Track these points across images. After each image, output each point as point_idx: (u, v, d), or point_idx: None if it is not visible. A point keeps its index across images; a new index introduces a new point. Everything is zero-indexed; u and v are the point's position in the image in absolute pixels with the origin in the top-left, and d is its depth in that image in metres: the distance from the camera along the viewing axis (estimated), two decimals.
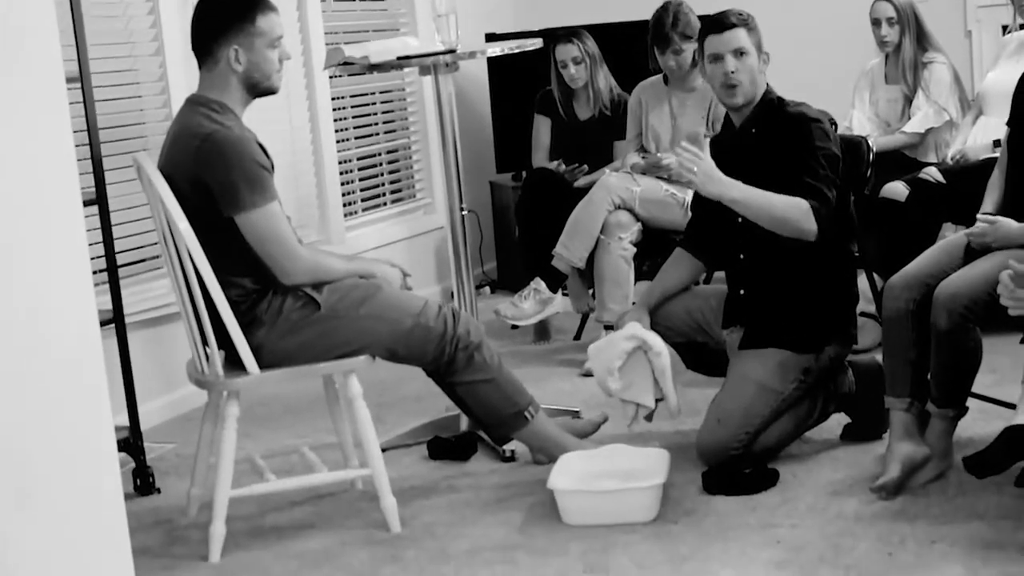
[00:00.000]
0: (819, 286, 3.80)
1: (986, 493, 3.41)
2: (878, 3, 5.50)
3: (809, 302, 3.80)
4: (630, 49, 5.79)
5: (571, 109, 5.78)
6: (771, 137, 3.79)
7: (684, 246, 4.06)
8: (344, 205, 5.95)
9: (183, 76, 4.81)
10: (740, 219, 3.82)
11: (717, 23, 3.83)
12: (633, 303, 4.78)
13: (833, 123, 3.96)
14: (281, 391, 4.90)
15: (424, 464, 4.09)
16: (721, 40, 3.80)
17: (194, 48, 3.56)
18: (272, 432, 4.57)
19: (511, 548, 3.39)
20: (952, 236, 3.78)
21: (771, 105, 3.83)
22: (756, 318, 3.84)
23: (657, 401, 3.85)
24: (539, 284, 5.18)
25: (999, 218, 3.55)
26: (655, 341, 3.80)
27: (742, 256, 3.88)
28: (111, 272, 3.95)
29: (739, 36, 3.79)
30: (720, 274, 4.17)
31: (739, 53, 3.78)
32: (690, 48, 5.12)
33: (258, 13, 3.51)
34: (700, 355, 4.04)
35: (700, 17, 5.11)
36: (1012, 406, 3.92)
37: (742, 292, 3.88)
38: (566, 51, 5.63)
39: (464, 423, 4.23)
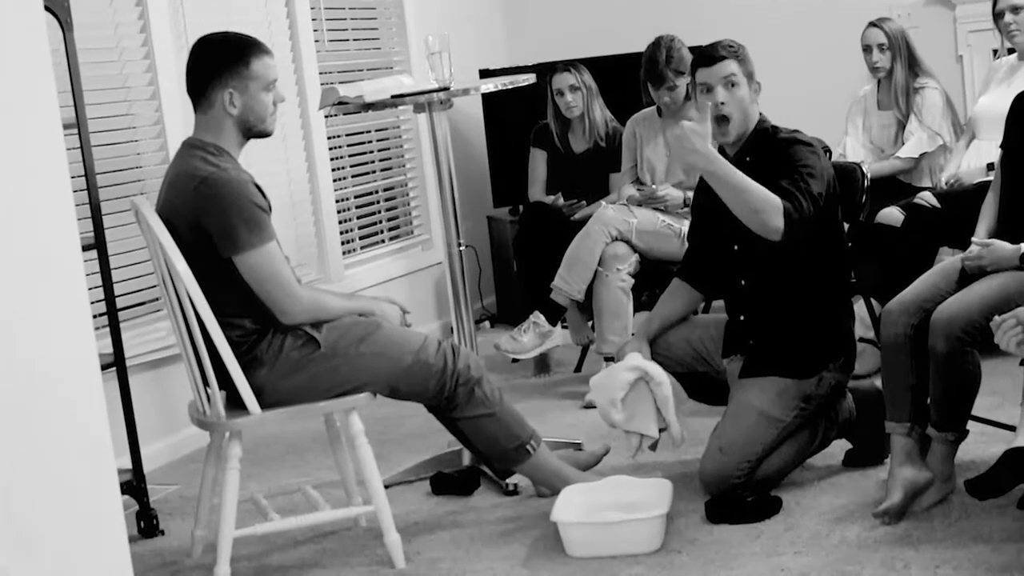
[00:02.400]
0: (817, 312, 3.81)
1: (989, 516, 3.42)
2: (869, 30, 5.54)
3: (808, 327, 3.81)
4: (623, 82, 5.82)
5: (567, 141, 5.80)
6: (766, 165, 3.81)
7: (681, 276, 4.07)
8: (342, 243, 5.97)
9: (179, 120, 4.83)
10: (737, 246, 3.84)
11: (706, 56, 3.85)
12: (632, 334, 4.78)
13: (827, 150, 3.98)
14: (283, 430, 4.91)
15: (427, 500, 4.09)
16: (710, 72, 3.82)
17: (189, 91, 3.58)
18: (275, 471, 4.57)
19: None
20: (948, 260, 3.79)
21: (765, 134, 3.85)
22: (757, 345, 3.84)
23: (660, 431, 3.85)
24: (538, 317, 5.19)
25: (993, 241, 3.57)
26: (656, 371, 3.81)
27: (743, 282, 3.89)
28: (111, 316, 3.96)
29: (729, 66, 3.81)
30: (719, 303, 4.18)
31: (729, 84, 3.81)
32: (683, 83, 5.15)
33: (252, 56, 3.53)
34: (701, 384, 4.04)
35: (692, 49, 5.14)
36: (1013, 428, 3.92)
37: (742, 318, 3.89)
38: (563, 79, 5.67)
39: (467, 458, 4.23)
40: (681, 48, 5.20)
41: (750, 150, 3.85)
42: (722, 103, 3.78)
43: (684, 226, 5.06)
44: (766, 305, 3.84)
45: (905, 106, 5.48)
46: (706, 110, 3.82)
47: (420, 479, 4.24)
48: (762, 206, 3.58)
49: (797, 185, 3.65)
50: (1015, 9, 5.12)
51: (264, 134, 3.61)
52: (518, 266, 5.68)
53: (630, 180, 5.42)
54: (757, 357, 3.83)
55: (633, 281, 5.11)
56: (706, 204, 4.02)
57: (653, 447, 3.89)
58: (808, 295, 3.78)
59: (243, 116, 3.53)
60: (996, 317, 3.18)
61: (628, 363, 3.83)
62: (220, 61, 3.52)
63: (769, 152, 3.81)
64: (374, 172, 6.34)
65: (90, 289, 2.67)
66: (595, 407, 3.93)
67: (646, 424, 3.82)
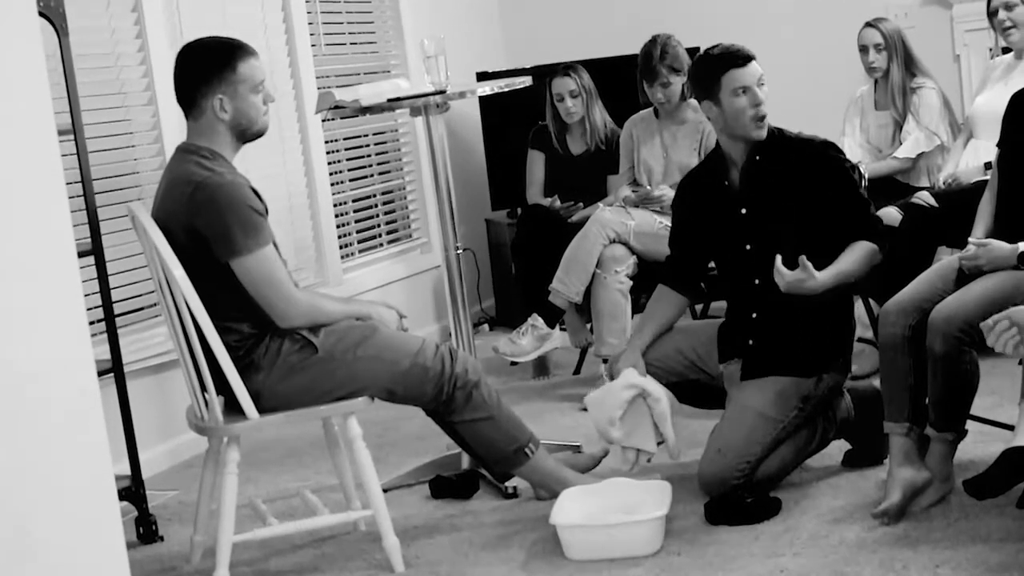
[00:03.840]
0: (825, 310, 3.81)
1: (988, 516, 3.41)
2: (865, 30, 5.53)
3: (816, 325, 3.81)
4: (621, 84, 5.82)
5: (565, 143, 5.80)
6: (783, 165, 3.82)
7: (666, 282, 4.07)
8: (341, 247, 5.97)
9: (176, 125, 4.82)
10: (749, 246, 3.84)
11: (737, 56, 3.82)
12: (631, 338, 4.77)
13: None
14: (281, 434, 4.90)
15: (426, 503, 4.09)
16: (747, 72, 3.80)
17: (179, 100, 3.58)
18: (273, 476, 4.57)
19: None
20: (945, 260, 3.79)
21: (771, 135, 3.86)
22: (757, 345, 3.83)
23: (658, 444, 3.86)
24: (537, 320, 5.19)
25: (990, 240, 3.57)
26: (654, 388, 3.82)
27: (756, 281, 3.87)
28: (109, 322, 3.96)
29: (758, 67, 3.83)
30: (717, 304, 4.18)
31: (761, 83, 3.82)
32: (678, 81, 5.15)
33: (238, 60, 3.52)
34: (694, 392, 4.02)
35: (689, 51, 5.15)
36: (1012, 428, 3.92)
37: (754, 315, 3.87)
38: (563, 84, 5.66)
39: (465, 461, 4.23)
40: (677, 46, 5.20)
41: (759, 150, 3.85)
42: (764, 101, 3.79)
43: None
44: (779, 302, 3.80)
45: (902, 106, 5.47)
46: (743, 112, 3.78)
47: (419, 483, 4.24)
48: (867, 265, 3.80)
49: (868, 210, 3.84)
50: (1008, 6, 5.12)
51: (259, 135, 3.60)
52: (516, 269, 5.68)
53: (627, 181, 5.42)
54: (758, 358, 3.82)
55: (631, 283, 5.11)
56: (690, 210, 4.03)
57: (649, 460, 3.90)
58: (819, 297, 3.77)
59: (235, 120, 3.53)
60: (987, 320, 3.16)
61: (624, 381, 3.83)
62: (206, 68, 3.52)
63: (782, 152, 3.83)
64: (372, 176, 6.34)
65: (87, 295, 2.67)
66: (594, 425, 3.93)
67: (644, 440, 3.84)
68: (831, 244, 3.77)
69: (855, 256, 3.76)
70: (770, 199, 3.81)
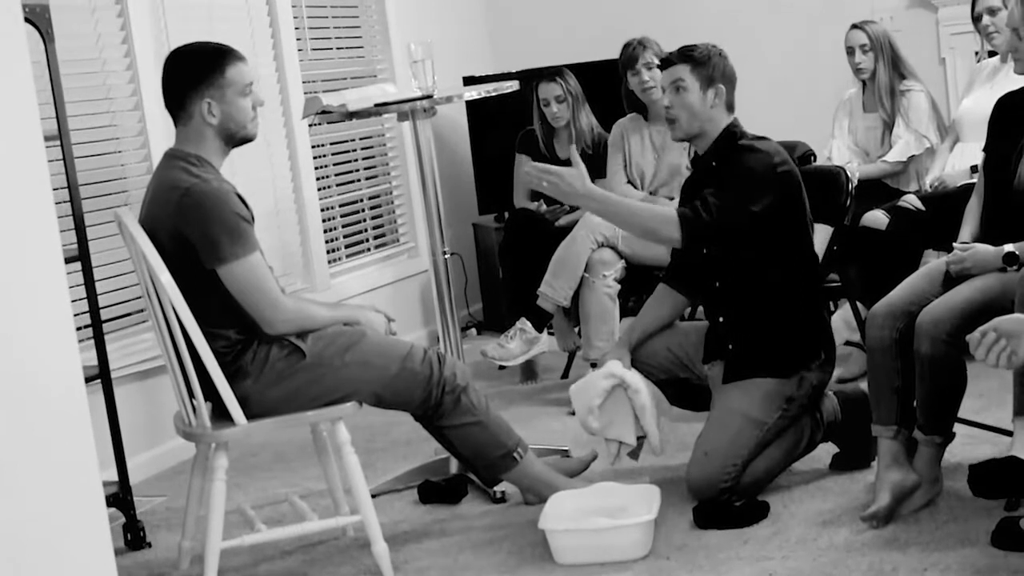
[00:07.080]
0: (791, 311, 3.83)
1: (977, 518, 3.41)
2: (851, 32, 5.55)
3: (784, 326, 3.82)
4: (607, 88, 5.82)
5: (552, 148, 5.80)
6: (723, 170, 3.84)
7: (667, 281, 4.08)
8: (328, 252, 5.96)
9: (163, 130, 4.82)
10: (705, 249, 3.86)
11: (663, 59, 3.95)
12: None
13: (811, 155, 3.98)
14: (269, 440, 4.90)
15: (415, 508, 4.08)
16: (663, 75, 3.91)
17: (167, 106, 3.57)
18: (261, 482, 4.56)
19: None
20: (933, 263, 3.80)
21: (731, 139, 3.87)
22: (737, 348, 3.84)
23: (639, 439, 3.86)
24: (525, 324, 5.19)
25: (975, 244, 3.58)
26: (633, 379, 3.82)
27: (717, 284, 3.90)
28: (96, 327, 3.95)
29: (678, 71, 3.85)
30: (702, 310, 4.18)
31: (676, 88, 3.84)
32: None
33: (227, 64, 3.52)
34: (684, 391, 4.04)
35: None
36: (1000, 431, 3.93)
37: (721, 320, 3.89)
38: (549, 89, 5.66)
39: (454, 466, 4.23)
40: (657, 44, 5.25)
41: (715, 155, 3.88)
42: (667, 106, 3.84)
43: None
44: (741, 306, 3.85)
45: (890, 107, 5.48)
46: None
47: (407, 488, 4.23)
48: (655, 223, 3.73)
49: (718, 194, 3.72)
50: (992, 11, 5.14)
51: (247, 139, 3.59)
52: (504, 273, 5.67)
53: (624, 180, 5.40)
54: (738, 361, 3.83)
55: (619, 287, 5.12)
56: None
57: (634, 455, 3.91)
58: (780, 294, 3.80)
59: (224, 124, 3.52)
60: (973, 334, 3.09)
61: (605, 371, 3.85)
62: (194, 72, 3.51)
63: (730, 157, 3.84)
64: (359, 180, 6.33)
65: (74, 301, 2.66)
66: (576, 415, 3.94)
67: (624, 431, 3.84)
68: (780, 250, 3.79)
69: (650, 210, 3.81)
70: None
